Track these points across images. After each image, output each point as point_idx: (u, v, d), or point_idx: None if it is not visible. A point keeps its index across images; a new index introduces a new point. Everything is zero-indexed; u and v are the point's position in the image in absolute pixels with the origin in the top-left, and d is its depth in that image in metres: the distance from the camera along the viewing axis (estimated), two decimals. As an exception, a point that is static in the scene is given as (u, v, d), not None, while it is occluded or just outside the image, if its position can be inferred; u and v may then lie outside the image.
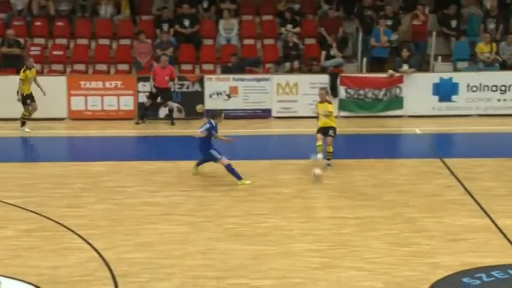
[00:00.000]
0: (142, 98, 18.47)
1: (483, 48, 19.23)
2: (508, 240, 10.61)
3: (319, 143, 14.15)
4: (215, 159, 13.43)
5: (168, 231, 11.20)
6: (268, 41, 20.39)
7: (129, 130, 17.80)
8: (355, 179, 13.74)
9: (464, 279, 9.54)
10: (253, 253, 10.37)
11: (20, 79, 17.09)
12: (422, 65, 19.61)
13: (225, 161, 13.33)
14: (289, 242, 10.76)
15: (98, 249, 10.41)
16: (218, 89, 18.44)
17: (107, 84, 18.46)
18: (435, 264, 9.89)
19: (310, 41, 20.28)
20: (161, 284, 9.45)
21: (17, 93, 17.11)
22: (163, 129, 18.00)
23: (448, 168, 14.03)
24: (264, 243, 10.70)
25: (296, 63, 19.01)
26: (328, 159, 14.24)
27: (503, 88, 18.48)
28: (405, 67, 18.55)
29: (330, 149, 14.22)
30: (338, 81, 18.49)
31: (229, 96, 18.35)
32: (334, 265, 9.98)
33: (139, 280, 9.50)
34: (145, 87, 18.47)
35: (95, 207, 12.26)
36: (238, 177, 13.31)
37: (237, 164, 13.56)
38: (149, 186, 13.34)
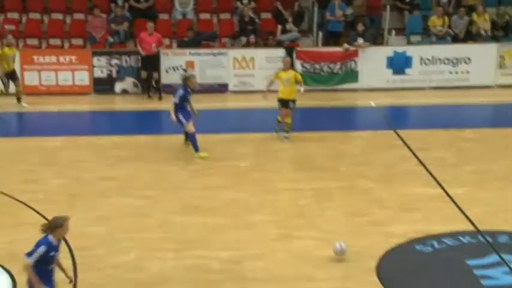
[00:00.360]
0: (98, 73, 18.25)
1: (436, 22, 19.46)
2: (459, 208, 10.87)
3: (281, 119, 14.30)
4: (181, 124, 13.34)
5: (125, 205, 11.17)
6: (224, 16, 20.27)
7: (84, 105, 17.59)
8: (311, 151, 13.86)
9: (417, 247, 9.76)
10: (211, 225, 10.43)
11: None
12: (376, 39, 19.74)
13: (191, 128, 13.25)
14: (247, 214, 10.84)
15: (55, 223, 10.33)
16: (174, 64, 18.30)
17: (61, 59, 18.16)
18: (389, 233, 10.09)
19: (266, 15, 20.21)
20: (119, 257, 9.45)
21: None
22: (118, 104, 17.83)
23: (402, 139, 14.25)
24: (221, 216, 10.76)
25: (252, 38, 18.97)
26: (286, 131, 14.34)
27: (454, 61, 18.76)
28: (360, 41, 18.67)
29: (289, 121, 14.33)
30: (294, 55, 18.52)
31: (185, 70, 18.20)
32: (291, 235, 10.11)
33: (96, 253, 9.48)
34: (100, 61, 18.23)
35: (51, 182, 12.14)
36: (196, 149, 13.30)
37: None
38: (106, 160, 13.25)
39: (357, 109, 17.82)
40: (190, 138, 13.36)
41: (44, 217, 10.56)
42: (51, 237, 7.29)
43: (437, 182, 11.95)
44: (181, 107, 13.25)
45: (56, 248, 7.32)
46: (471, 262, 9.30)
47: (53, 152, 13.76)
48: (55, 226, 7.31)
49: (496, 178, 12.28)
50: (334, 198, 11.44)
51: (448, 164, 13.00)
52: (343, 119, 16.74)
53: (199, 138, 13.46)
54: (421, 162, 12.97)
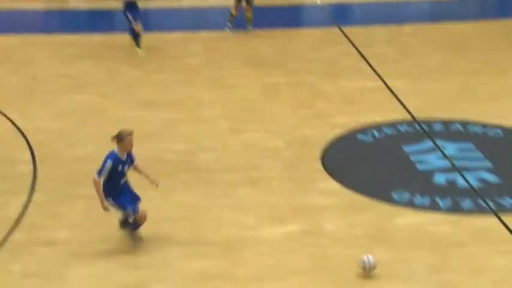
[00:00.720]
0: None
1: None
2: (398, 99, 11.01)
3: (235, 12, 14.20)
4: (129, 22, 12.95)
5: (80, 101, 11.01)
6: None
7: (38, 3, 16.92)
8: (261, 48, 13.73)
9: (359, 136, 9.95)
10: (166, 120, 10.40)
11: None
12: None
13: (138, 27, 12.89)
14: (200, 109, 10.81)
15: (13, 120, 10.16)
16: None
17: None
18: (333, 124, 10.23)
19: None
20: (76, 150, 9.40)
21: None
22: (72, 3, 17.22)
23: (346, 36, 14.18)
24: (176, 111, 10.72)
25: None
26: (248, 24, 14.23)
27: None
28: None
29: (250, 15, 14.21)
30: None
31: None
32: (241, 129, 10.17)
33: (55, 147, 9.41)
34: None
35: (8, 80, 11.84)
36: (137, 45, 12.97)
37: (147, 37, 13.24)
38: (61, 58, 12.92)
39: (304, 7, 17.60)
40: (133, 34, 12.97)
41: (3, 114, 10.38)
42: (116, 151, 7.05)
43: (379, 76, 12.02)
44: (130, 7, 12.88)
45: (123, 162, 7.05)
46: (408, 149, 9.54)
47: (8, 50, 13.34)
48: (117, 139, 7.04)
49: (432, 71, 12.43)
50: (281, 93, 11.46)
51: (389, 59, 13.06)
52: (291, 17, 16.55)
53: (153, 36, 13.17)
54: (363, 57, 12.98)
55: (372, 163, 9.28)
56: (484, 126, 10.14)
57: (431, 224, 7.86)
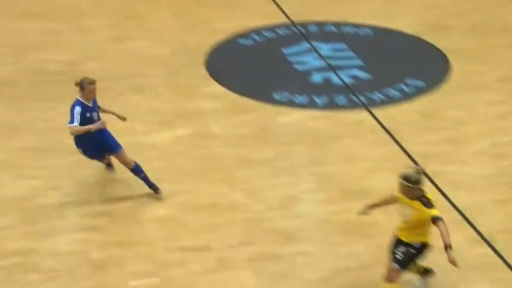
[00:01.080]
0: None
1: None
2: (275, 3, 10.85)
3: None
4: None
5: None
6: None
7: None
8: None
9: (240, 41, 9.79)
10: (47, 31, 9.79)
11: None
12: None
13: None
14: (82, 18, 10.23)
15: None
16: None
17: None
18: (215, 30, 9.98)
19: None
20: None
21: None
22: None
23: None
24: (57, 21, 10.09)
25: None
26: None
27: None
28: None
29: None
30: None
31: None
32: (125, 37, 9.77)
33: None
34: None
35: None
36: None
37: None
38: None
39: None
40: None
41: None
42: (80, 98, 6.37)
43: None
44: None
45: (90, 108, 6.39)
46: (287, 51, 9.51)
47: None
48: (80, 88, 6.36)
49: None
50: (163, 0, 11.00)
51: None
52: None
53: None
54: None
55: (253, 66, 9.20)
56: (356, 26, 10.25)
57: (310, 121, 7.98)
